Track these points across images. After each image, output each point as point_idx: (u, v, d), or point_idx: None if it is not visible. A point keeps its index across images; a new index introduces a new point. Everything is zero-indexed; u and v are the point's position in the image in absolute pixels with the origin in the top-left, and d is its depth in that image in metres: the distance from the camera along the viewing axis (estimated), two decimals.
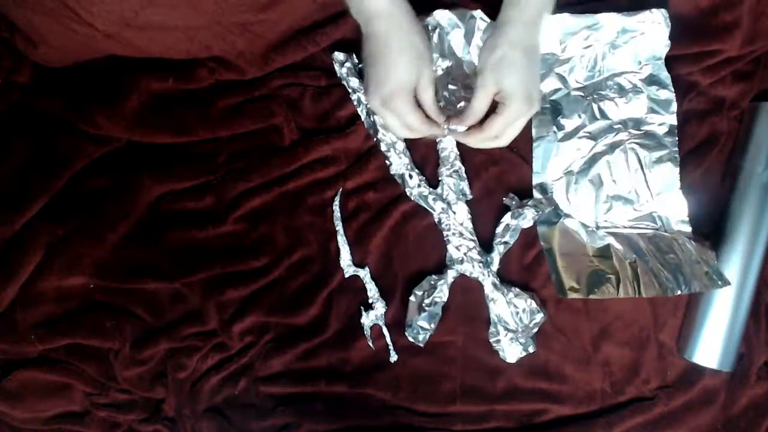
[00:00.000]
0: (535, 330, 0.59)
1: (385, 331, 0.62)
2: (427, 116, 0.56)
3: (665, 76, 0.58)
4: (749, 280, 0.56)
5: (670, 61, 0.59)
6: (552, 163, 0.60)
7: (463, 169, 0.61)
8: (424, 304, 0.59)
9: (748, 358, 0.59)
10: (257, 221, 0.64)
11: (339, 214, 0.63)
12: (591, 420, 0.60)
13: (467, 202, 0.61)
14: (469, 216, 0.60)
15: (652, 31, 0.58)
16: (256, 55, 0.64)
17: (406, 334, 0.60)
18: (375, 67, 0.53)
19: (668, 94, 0.58)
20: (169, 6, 0.56)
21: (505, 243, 0.59)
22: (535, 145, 0.61)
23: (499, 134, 0.55)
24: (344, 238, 0.63)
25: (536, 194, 0.60)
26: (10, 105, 0.66)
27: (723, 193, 0.59)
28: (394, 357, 0.62)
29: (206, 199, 0.65)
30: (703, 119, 0.60)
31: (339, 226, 0.63)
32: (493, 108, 0.55)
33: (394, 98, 0.53)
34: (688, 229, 0.58)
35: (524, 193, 0.61)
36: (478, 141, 0.57)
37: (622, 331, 0.60)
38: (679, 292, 0.54)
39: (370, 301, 0.63)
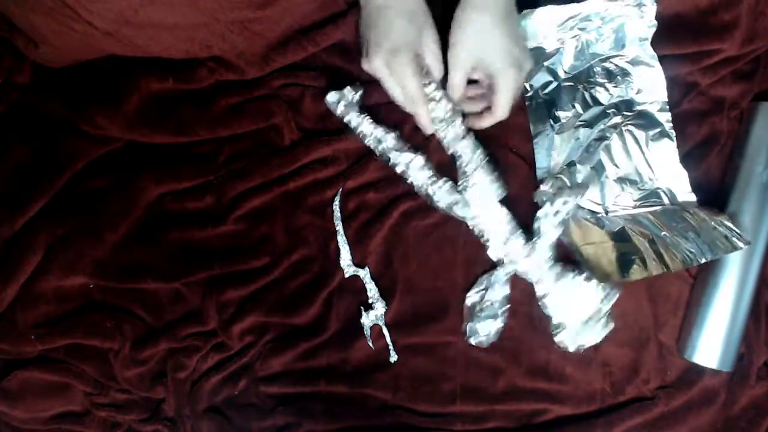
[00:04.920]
0: (608, 307, 0.56)
1: (385, 331, 0.62)
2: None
3: (650, 54, 0.59)
4: (749, 280, 0.56)
5: (670, 61, 0.59)
6: (554, 156, 0.60)
7: (488, 172, 0.58)
8: (477, 309, 0.58)
9: (748, 358, 0.59)
10: (257, 221, 0.64)
11: (339, 214, 0.63)
12: (591, 420, 0.60)
13: (502, 201, 0.58)
14: (508, 212, 0.58)
15: (637, 14, 0.58)
16: (256, 55, 0.64)
17: (471, 341, 0.59)
18: (374, 28, 0.53)
19: (655, 71, 0.59)
20: (168, 4, 0.55)
21: (548, 234, 0.57)
22: (534, 141, 0.61)
23: (507, 108, 0.55)
24: (344, 238, 0.63)
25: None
26: (10, 105, 0.67)
27: (723, 193, 0.59)
28: (394, 357, 0.62)
29: (206, 199, 0.65)
30: (703, 119, 0.60)
31: (339, 226, 0.63)
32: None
33: (396, 55, 0.52)
34: (694, 198, 0.58)
35: (528, 191, 0.60)
36: (489, 123, 0.57)
37: (622, 331, 0.60)
38: (704, 260, 0.53)
39: (370, 301, 0.63)
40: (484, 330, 0.58)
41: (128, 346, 0.65)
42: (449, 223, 0.62)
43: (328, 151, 0.63)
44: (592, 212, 0.59)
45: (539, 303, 0.58)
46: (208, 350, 0.65)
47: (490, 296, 0.58)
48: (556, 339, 0.58)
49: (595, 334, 0.57)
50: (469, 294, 0.60)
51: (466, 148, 0.57)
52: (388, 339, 0.62)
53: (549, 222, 0.56)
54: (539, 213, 0.57)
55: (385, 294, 0.63)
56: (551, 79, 0.61)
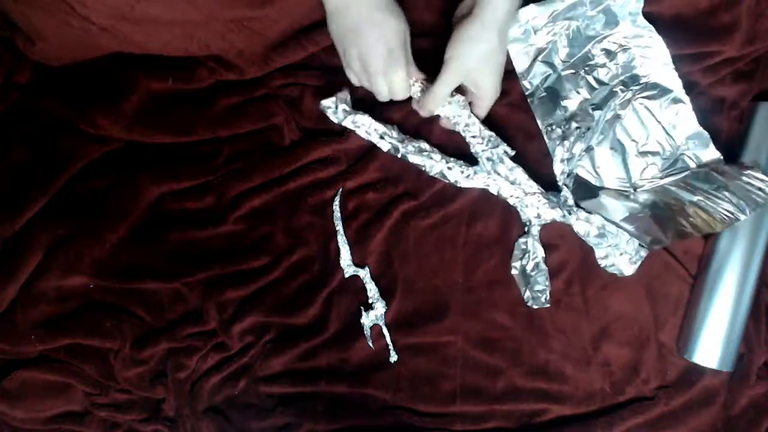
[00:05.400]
0: (635, 234, 0.57)
1: (385, 331, 0.62)
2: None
3: (645, 25, 0.58)
4: (749, 280, 0.56)
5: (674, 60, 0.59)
6: (568, 146, 0.60)
7: (492, 134, 0.59)
8: (528, 272, 0.59)
9: (748, 357, 0.59)
10: (257, 221, 0.64)
11: (339, 214, 0.63)
12: (591, 420, 0.60)
13: (513, 159, 0.59)
14: (522, 170, 0.59)
15: None
16: (256, 54, 0.63)
17: (530, 305, 0.60)
18: (358, 40, 0.53)
19: (654, 40, 0.58)
20: (165, 0, 0.55)
21: (569, 174, 0.59)
22: (545, 135, 0.61)
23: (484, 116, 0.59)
24: (344, 238, 0.63)
25: (563, 182, 0.60)
26: (10, 105, 0.66)
27: None
28: (394, 357, 0.62)
29: (206, 199, 0.65)
30: (703, 119, 0.60)
31: (339, 226, 0.63)
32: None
33: (393, 65, 0.54)
34: (719, 155, 0.57)
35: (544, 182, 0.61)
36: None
37: (622, 331, 0.60)
38: (744, 216, 0.53)
39: (370, 301, 0.63)
40: (541, 290, 0.59)
41: (128, 346, 0.65)
42: (449, 223, 0.62)
43: (328, 151, 0.63)
44: (621, 191, 0.59)
45: (585, 241, 0.59)
46: (208, 350, 0.65)
47: (534, 257, 0.59)
48: (603, 265, 0.59)
49: (628, 264, 0.58)
50: (512, 264, 0.60)
51: (468, 117, 0.59)
52: (388, 339, 0.62)
53: (563, 165, 0.58)
54: (555, 155, 0.59)
55: (385, 294, 0.63)
56: (549, 71, 0.61)
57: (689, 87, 0.60)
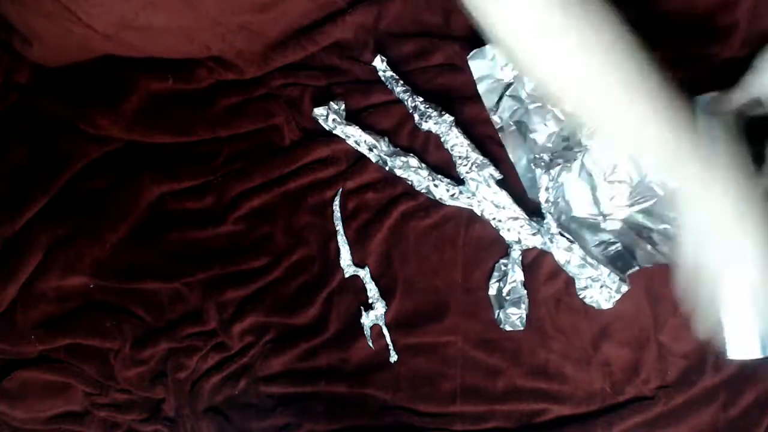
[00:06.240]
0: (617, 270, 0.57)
1: (385, 331, 0.62)
2: None
3: None
4: None
5: (668, 62, 0.59)
6: (539, 177, 0.60)
7: (480, 157, 0.59)
8: (504, 295, 0.59)
9: None
10: (257, 221, 0.64)
11: (339, 214, 0.63)
12: (591, 420, 0.60)
13: (499, 182, 0.59)
14: (507, 194, 0.59)
15: None
16: (256, 54, 0.64)
17: (502, 327, 0.60)
18: None
19: None
20: (169, 8, 0.56)
21: (554, 203, 0.58)
22: (516, 167, 0.60)
23: None
24: (344, 238, 0.63)
25: (547, 210, 0.59)
26: (9, 105, 0.67)
27: None
28: (394, 357, 0.62)
29: (206, 199, 0.65)
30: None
31: (339, 226, 0.63)
32: None
33: None
34: None
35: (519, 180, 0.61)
36: None
37: (622, 331, 0.60)
38: None
39: (370, 301, 0.63)
40: (516, 314, 0.59)
41: (128, 346, 0.65)
42: (449, 223, 0.62)
43: (328, 151, 0.63)
44: (591, 220, 0.59)
45: (565, 270, 0.58)
46: (208, 350, 0.65)
47: (511, 280, 0.59)
48: (581, 297, 0.58)
49: (610, 296, 0.58)
50: (491, 283, 0.60)
51: (456, 138, 0.59)
52: (388, 339, 0.62)
53: (547, 193, 0.57)
54: (539, 182, 0.58)
55: (385, 294, 0.63)
56: (517, 105, 0.60)
57: (688, 88, 0.60)
